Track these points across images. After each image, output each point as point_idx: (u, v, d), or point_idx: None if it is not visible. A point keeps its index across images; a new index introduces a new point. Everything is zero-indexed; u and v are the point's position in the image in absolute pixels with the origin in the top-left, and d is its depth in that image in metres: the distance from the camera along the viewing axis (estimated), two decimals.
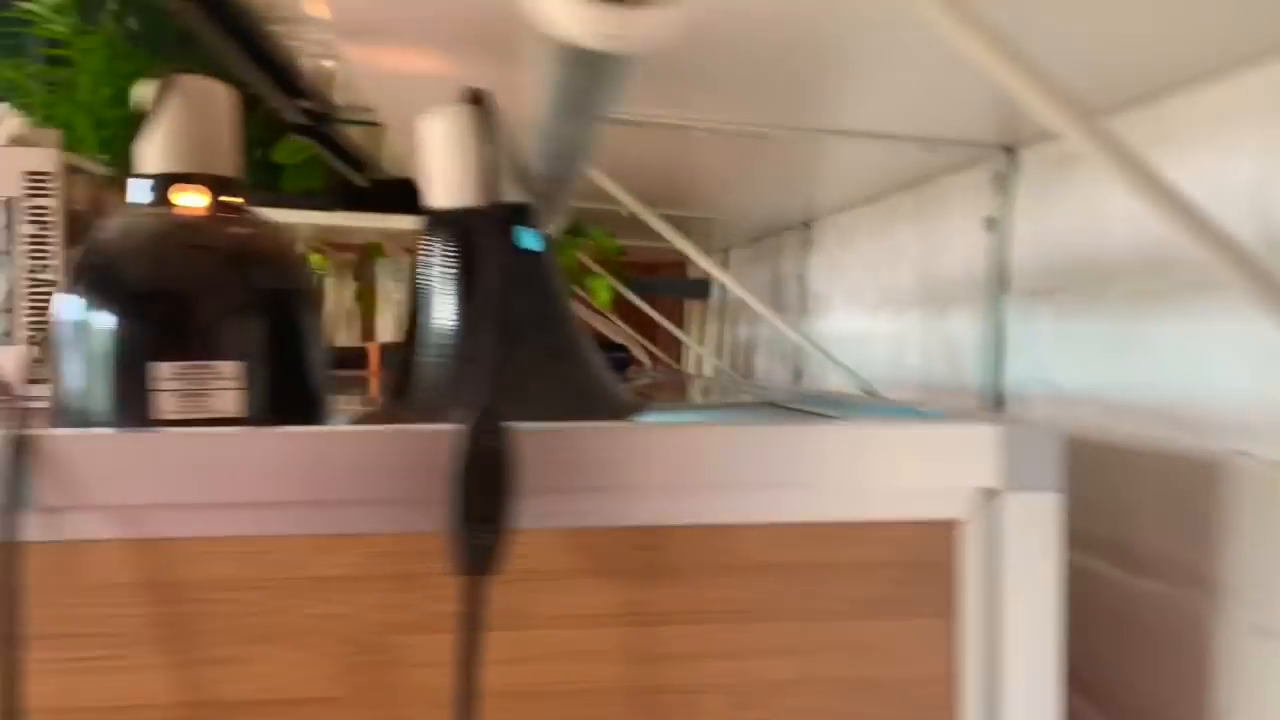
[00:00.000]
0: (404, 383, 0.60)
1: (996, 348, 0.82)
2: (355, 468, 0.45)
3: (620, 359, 1.42)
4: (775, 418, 0.68)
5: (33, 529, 0.42)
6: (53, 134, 0.88)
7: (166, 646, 0.44)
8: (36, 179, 0.80)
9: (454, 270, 0.57)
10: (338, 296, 1.95)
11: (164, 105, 0.59)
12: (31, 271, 0.81)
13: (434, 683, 0.45)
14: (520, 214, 0.58)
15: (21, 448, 0.42)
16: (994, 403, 0.82)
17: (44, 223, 0.81)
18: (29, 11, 1.00)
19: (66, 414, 0.57)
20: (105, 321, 0.54)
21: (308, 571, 0.45)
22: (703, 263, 1.00)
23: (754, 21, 0.59)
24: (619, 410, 0.59)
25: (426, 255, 0.59)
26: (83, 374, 0.55)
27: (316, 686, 0.45)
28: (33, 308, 0.81)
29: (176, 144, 0.59)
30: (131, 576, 0.44)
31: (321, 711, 0.45)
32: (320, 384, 0.59)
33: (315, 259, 1.89)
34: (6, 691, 0.41)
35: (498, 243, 0.56)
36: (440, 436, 0.44)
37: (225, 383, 0.55)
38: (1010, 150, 0.82)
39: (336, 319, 1.94)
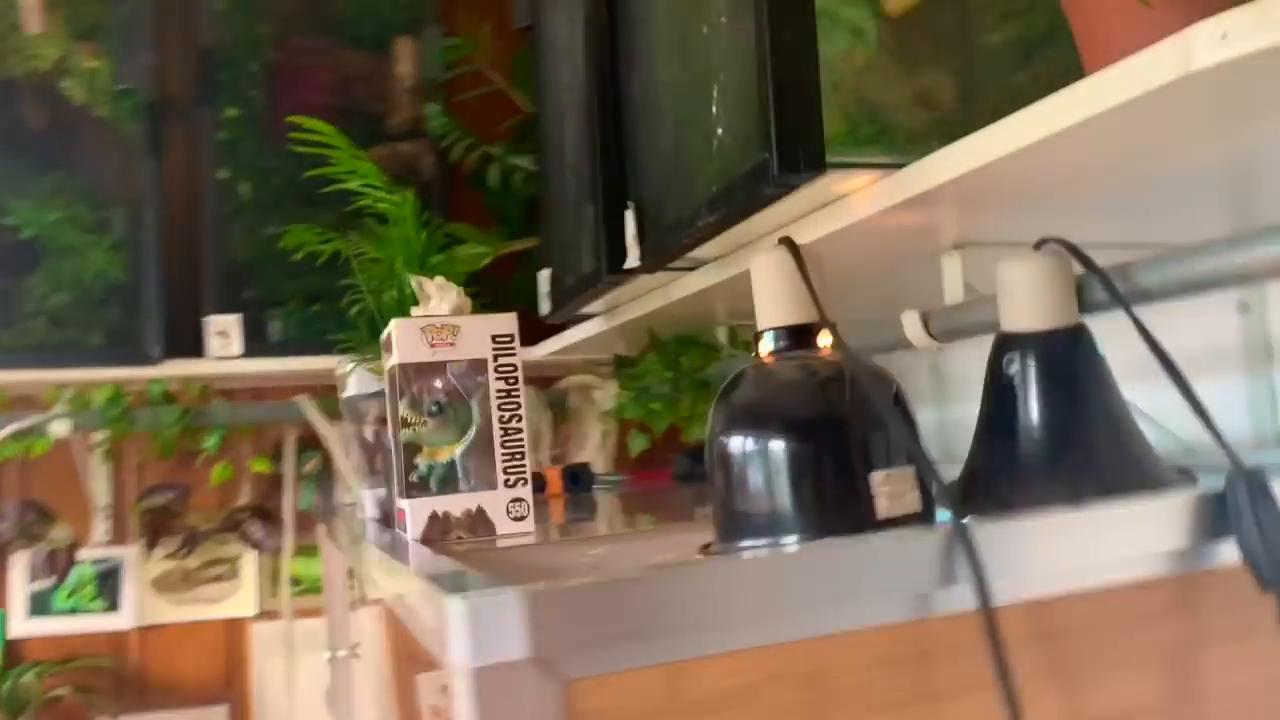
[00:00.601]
0: (994, 473, 0.74)
1: (1273, 407, 1.03)
2: (1146, 531, 0.60)
3: None
4: None
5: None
6: (469, 300, 0.98)
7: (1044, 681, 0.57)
8: (501, 339, 0.90)
9: (1045, 379, 0.73)
10: None
11: (781, 268, 0.73)
12: (501, 421, 0.90)
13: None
14: (1085, 330, 0.74)
15: (966, 533, 0.55)
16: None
17: (508, 377, 0.90)
18: (359, 191, 1.10)
19: (751, 524, 0.68)
20: (817, 442, 0.67)
21: (1140, 609, 0.59)
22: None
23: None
24: (1179, 482, 0.75)
25: (1007, 369, 0.74)
26: (780, 489, 0.67)
27: (1147, 699, 0.59)
28: (504, 454, 0.90)
29: (799, 297, 0.73)
30: (1023, 629, 0.57)
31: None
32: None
33: None
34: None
35: (1088, 356, 0.72)
36: (1207, 500, 0.60)
37: (909, 484, 0.69)
38: None
39: None
